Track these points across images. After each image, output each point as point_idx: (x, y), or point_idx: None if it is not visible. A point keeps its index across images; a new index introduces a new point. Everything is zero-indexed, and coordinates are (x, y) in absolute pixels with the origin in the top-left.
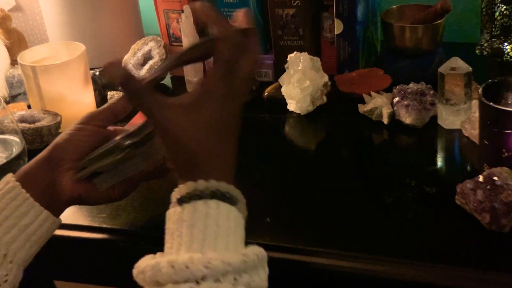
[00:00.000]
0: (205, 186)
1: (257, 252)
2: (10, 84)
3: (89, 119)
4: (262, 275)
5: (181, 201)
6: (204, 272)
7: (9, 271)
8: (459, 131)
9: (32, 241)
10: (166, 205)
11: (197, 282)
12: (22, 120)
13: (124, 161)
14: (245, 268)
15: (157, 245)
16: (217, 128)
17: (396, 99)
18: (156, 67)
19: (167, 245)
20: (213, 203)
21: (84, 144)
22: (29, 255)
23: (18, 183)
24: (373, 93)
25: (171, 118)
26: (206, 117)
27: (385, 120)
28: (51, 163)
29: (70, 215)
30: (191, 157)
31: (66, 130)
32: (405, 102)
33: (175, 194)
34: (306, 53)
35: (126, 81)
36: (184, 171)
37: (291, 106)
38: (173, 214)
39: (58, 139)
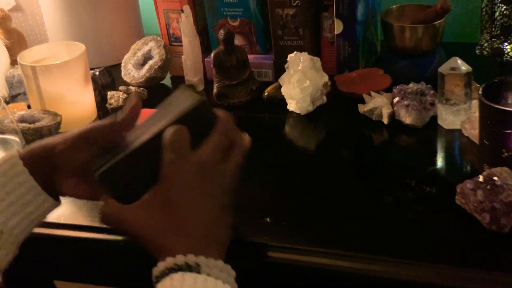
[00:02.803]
0: (173, 262)
1: None
2: (10, 84)
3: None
4: None
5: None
6: None
7: (9, 251)
8: (459, 131)
9: (33, 225)
10: None
11: None
12: (22, 120)
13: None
14: None
15: None
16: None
17: (396, 99)
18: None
19: None
20: (177, 276)
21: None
22: (27, 235)
23: (25, 169)
24: (373, 93)
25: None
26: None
27: (385, 120)
28: (59, 154)
29: (70, 215)
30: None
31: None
32: (405, 102)
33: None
34: (306, 53)
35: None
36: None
37: (291, 106)
38: None
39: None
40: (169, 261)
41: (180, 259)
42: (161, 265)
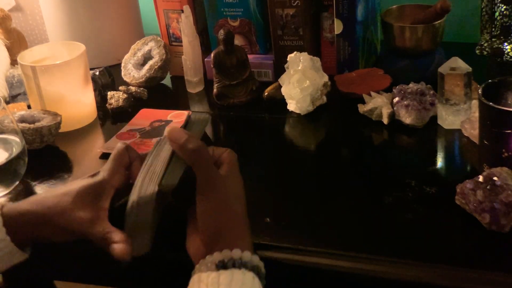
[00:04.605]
0: (240, 256)
1: None
2: (10, 84)
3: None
4: None
5: (218, 266)
6: None
7: None
8: (459, 131)
9: None
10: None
11: None
12: (22, 120)
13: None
14: None
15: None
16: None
17: (396, 99)
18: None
19: None
20: (249, 274)
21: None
22: None
23: (7, 237)
24: (373, 93)
25: (224, 184)
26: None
27: (385, 120)
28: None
29: None
30: (226, 222)
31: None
32: (405, 102)
33: (209, 259)
34: (306, 53)
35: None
36: (213, 238)
37: (291, 106)
38: (206, 277)
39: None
40: (226, 254)
41: (236, 253)
42: (217, 256)
